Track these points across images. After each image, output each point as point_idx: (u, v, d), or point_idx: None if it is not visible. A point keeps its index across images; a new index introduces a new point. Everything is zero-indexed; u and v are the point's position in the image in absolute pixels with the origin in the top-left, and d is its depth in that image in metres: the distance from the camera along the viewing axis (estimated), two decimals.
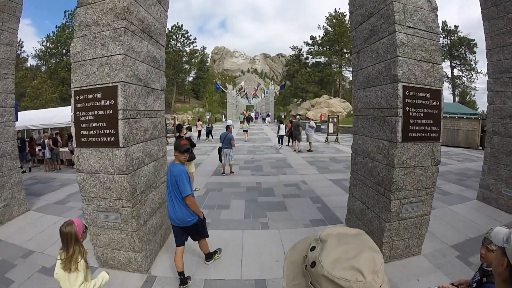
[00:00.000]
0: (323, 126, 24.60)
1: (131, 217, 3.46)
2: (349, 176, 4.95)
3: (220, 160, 9.16)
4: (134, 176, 3.49)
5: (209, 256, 3.82)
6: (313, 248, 0.67)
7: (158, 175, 4.25)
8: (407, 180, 3.69)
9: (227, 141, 8.94)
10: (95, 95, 3.32)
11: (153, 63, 4.05)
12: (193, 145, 7.24)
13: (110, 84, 3.28)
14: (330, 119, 17.48)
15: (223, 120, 36.84)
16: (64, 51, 44.04)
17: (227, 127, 9.30)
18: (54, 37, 42.95)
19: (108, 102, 3.28)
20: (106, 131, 3.31)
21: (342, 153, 13.83)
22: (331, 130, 17.38)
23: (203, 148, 15.42)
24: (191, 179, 3.61)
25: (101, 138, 3.34)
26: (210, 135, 19.22)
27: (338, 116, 18.57)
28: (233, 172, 9.27)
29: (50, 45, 43.43)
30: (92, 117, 3.35)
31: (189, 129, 8.73)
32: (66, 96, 41.76)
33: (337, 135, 17.29)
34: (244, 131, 19.20)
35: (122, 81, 3.25)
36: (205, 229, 3.59)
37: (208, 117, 36.87)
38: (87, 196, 3.54)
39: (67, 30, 43.03)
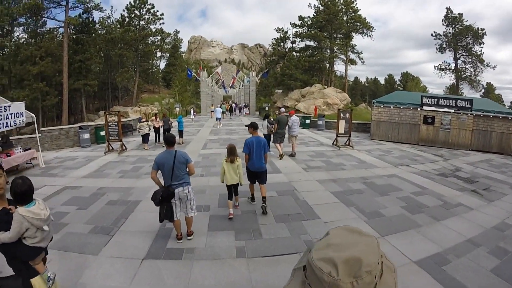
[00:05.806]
0: (320, 122, 19.83)
1: None
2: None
3: (167, 216, 3.98)
4: None
5: (264, 200, 5.16)
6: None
7: None
8: None
9: (179, 169, 3.92)
10: None
11: None
12: None
13: None
14: (342, 115, 12.56)
15: (192, 115, 27.34)
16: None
17: (169, 141, 4.09)
18: None
19: None
20: None
21: (368, 166, 9.02)
22: (341, 130, 12.50)
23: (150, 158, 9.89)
24: None
25: None
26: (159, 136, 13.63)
27: (351, 110, 13.71)
28: (191, 236, 4.28)
29: None
30: None
31: None
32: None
33: (349, 136, 12.47)
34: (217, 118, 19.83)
35: None
36: (266, 176, 5.43)
37: (177, 109, 30.37)
38: None
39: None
